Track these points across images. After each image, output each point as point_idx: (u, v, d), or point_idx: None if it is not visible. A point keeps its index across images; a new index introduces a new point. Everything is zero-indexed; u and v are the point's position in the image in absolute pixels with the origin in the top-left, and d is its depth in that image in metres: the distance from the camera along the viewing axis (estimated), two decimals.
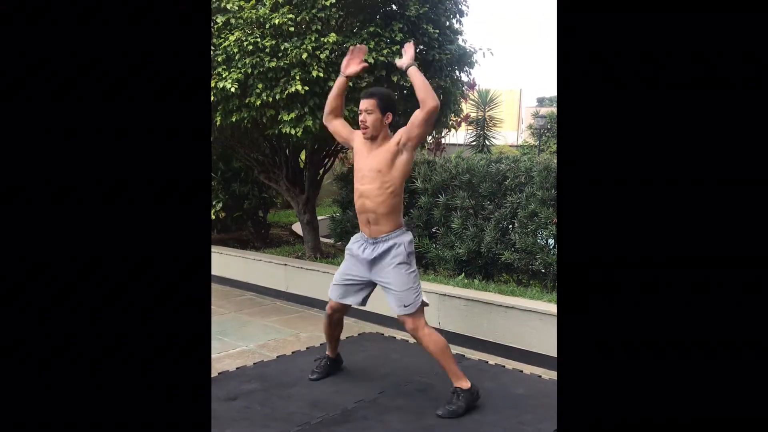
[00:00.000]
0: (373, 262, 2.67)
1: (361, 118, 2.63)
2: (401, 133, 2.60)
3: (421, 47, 4.39)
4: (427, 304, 2.71)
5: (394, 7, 4.30)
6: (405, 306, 2.60)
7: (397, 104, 2.71)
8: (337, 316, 2.91)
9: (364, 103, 2.63)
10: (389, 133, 2.67)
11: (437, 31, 4.34)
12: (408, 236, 2.70)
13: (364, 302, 2.84)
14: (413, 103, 2.85)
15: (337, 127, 2.86)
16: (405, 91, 4.36)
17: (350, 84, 3.96)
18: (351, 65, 2.76)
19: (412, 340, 3.58)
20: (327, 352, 3.05)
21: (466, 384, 2.61)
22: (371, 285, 2.78)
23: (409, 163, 2.65)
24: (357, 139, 2.75)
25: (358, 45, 2.84)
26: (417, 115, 2.55)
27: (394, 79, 4.05)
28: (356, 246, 2.76)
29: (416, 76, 2.56)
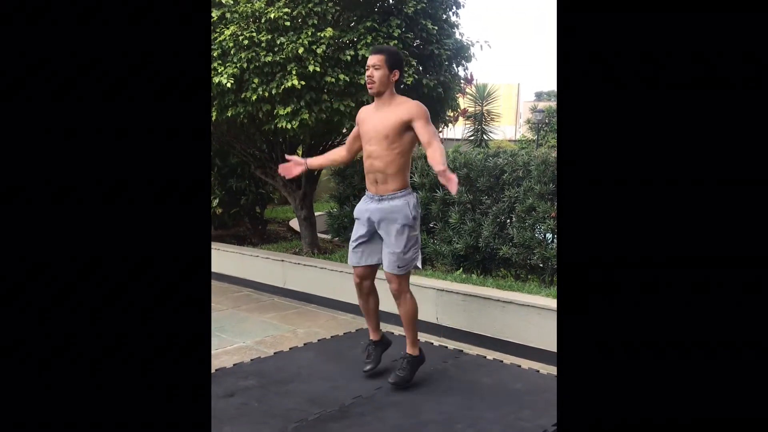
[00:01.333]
0: (379, 215, 2.72)
1: (368, 73, 2.67)
2: (412, 115, 2.61)
3: (419, 42, 4.38)
4: (419, 268, 2.81)
5: (391, 1, 4.28)
6: (398, 267, 2.70)
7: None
8: (366, 284, 2.91)
9: (372, 59, 2.67)
10: (394, 92, 2.71)
11: (435, 27, 4.33)
12: (414, 198, 2.74)
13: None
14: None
15: (350, 142, 2.97)
16: (402, 86, 4.34)
17: (347, 79, 3.98)
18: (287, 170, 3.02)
19: None
20: (370, 337, 3.02)
21: (416, 351, 2.85)
22: (380, 237, 2.81)
23: (416, 139, 2.68)
24: (360, 114, 2.83)
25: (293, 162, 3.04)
26: (423, 138, 2.58)
27: None
28: (362, 205, 2.82)
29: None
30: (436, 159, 2.47)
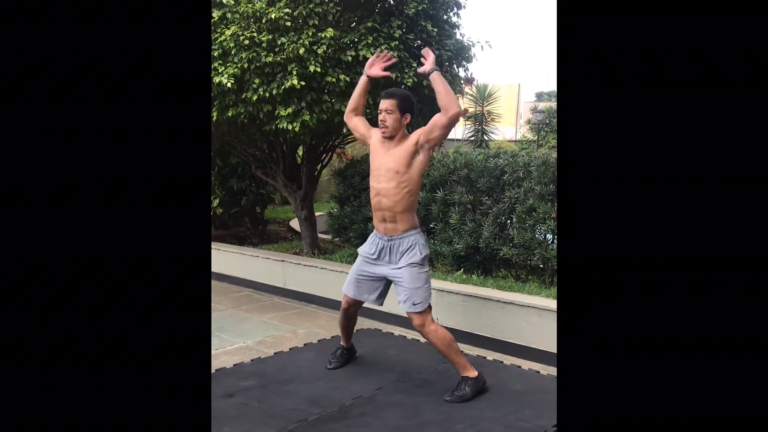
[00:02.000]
0: (388, 260, 2.75)
1: (381, 117, 2.70)
2: (419, 134, 2.66)
3: (419, 43, 4.38)
4: (431, 308, 2.78)
5: (392, 2, 4.28)
6: (414, 304, 2.69)
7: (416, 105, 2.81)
8: (352, 310, 3.00)
9: (385, 103, 2.70)
10: (406, 133, 2.74)
11: (435, 29, 4.33)
12: (422, 238, 2.78)
13: (380, 301, 2.92)
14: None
15: (357, 123, 2.93)
16: (402, 87, 4.35)
17: (348, 79, 3.98)
18: (374, 67, 2.85)
19: (410, 336, 3.59)
20: (342, 343, 3.15)
21: (473, 373, 2.72)
22: (386, 281, 2.84)
23: (426, 164, 2.71)
24: (374, 137, 2.82)
25: (386, 51, 2.96)
26: (439, 120, 2.61)
27: (393, 75, 4.03)
28: (370, 247, 2.84)
29: (439, 82, 2.62)
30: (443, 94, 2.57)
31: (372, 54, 3.92)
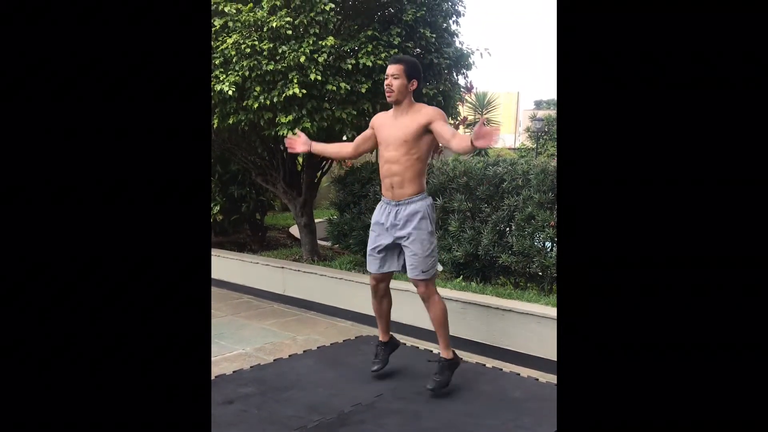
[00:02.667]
0: (397, 224, 2.77)
1: (387, 82, 2.73)
2: (431, 119, 2.66)
3: (419, 51, 4.40)
4: (438, 272, 2.81)
5: (391, 10, 4.30)
6: (423, 272, 2.73)
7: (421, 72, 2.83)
8: (382, 287, 2.99)
9: (391, 68, 2.72)
10: (413, 100, 2.76)
11: (434, 35, 4.35)
12: (429, 201, 2.80)
13: (401, 264, 2.90)
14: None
15: (360, 143, 3.01)
16: None
17: (348, 88, 4.00)
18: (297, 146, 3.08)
19: (409, 344, 3.58)
20: (379, 337, 3.10)
21: (450, 354, 2.84)
22: (400, 247, 2.85)
23: (434, 142, 2.74)
24: (377, 120, 2.87)
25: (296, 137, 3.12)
26: (445, 133, 2.59)
27: None
28: (379, 213, 2.86)
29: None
30: (465, 138, 2.47)
31: (372, 61, 3.96)
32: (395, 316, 3.16)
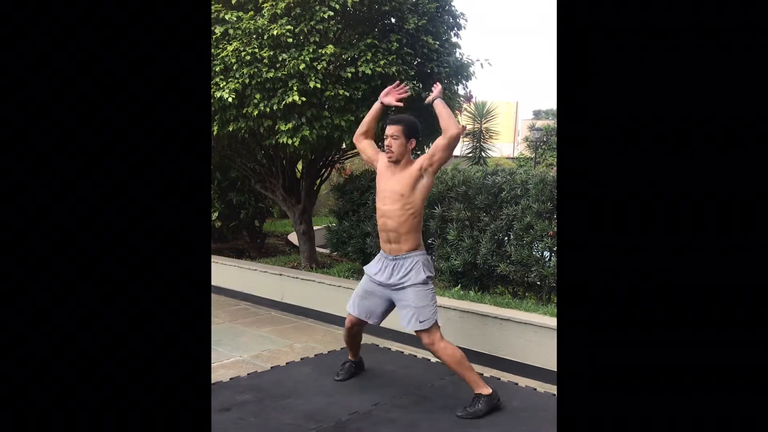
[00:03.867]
0: (392, 282, 2.79)
1: (386, 142, 2.79)
2: (423, 160, 2.76)
3: (419, 59, 4.42)
4: (439, 326, 2.81)
5: (392, 20, 4.33)
6: (420, 322, 2.73)
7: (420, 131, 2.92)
8: (356, 330, 3.08)
9: (390, 129, 2.79)
10: (411, 158, 2.84)
11: (437, 42, 4.38)
12: (426, 258, 2.83)
13: (379, 322, 2.98)
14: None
15: (366, 146, 3.03)
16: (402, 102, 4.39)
17: (347, 94, 4.02)
18: (390, 96, 2.95)
19: (407, 352, 3.58)
20: (349, 357, 3.22)
21: (486, 390, 2.73)
22: (390, 303, 2.89)
23: (430, 187, 2.81)
24: (381, 161, 2.90)
25: (405, 83, 3.09)
26: (439, 142, 2.71)
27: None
28: (375, 266, 2.90)
29: (441, 107, 2.75)
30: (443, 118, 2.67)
31: (371, 69, 3.98)
32: (394, 324, 3.17)
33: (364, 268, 2.99)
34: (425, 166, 2.73)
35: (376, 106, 2.99)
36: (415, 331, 2.78)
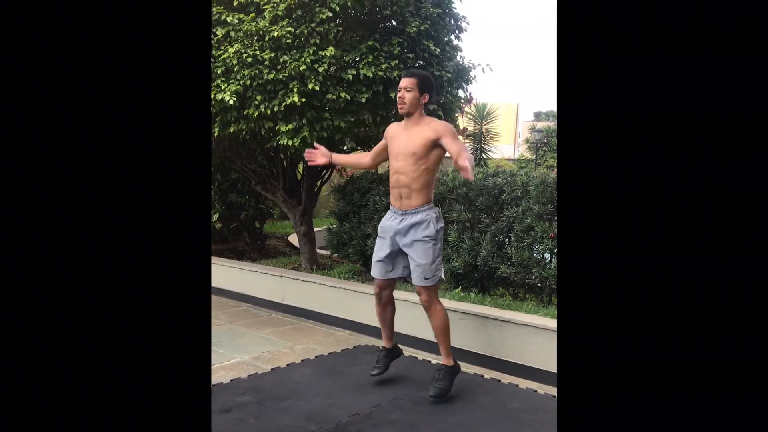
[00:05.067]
0: (403, 232, 2.82)
1: (399, 94, 2.80)
2: (439, 132, 2.72)
3: (421, 62, 4.43)
4: (443, 281, 2.87)
5: (393, 23, 4.33)
6: (425, 279, 2.78)
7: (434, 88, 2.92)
8: (385, 294, 3.03)
9: (404, 81, 2.80)
10: (424, 113, 2.83)
11: (438, 48, 4.38)
12: (436, 211, 2.85)
13: (405, 271, 2.96)
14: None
15: (377, 151, 3.08)
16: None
17: (348, 98, 4.03)
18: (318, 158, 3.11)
19: (407, 353, 3.58)
20: (383, 343, 3.16)
21: (451, 361, 2.89)
22: (405, 255, 2.90)
23: (442, 155, 2.81)
24: (389, 130, 2.94)
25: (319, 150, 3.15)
26: (453, 153, 2.65)
27: (392, 95, 4.08)
28: (387, 220, 2.92)
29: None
30: (464, 158, 2.52)
31: (372, 72, 3.99)
32: (395, 326, 3.17)
33: (378, 227, 3.00)
34: (438, 141, 2.71)
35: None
36: (416, 286, 2.83)
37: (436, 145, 2.75)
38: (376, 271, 2.99)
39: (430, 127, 2.76)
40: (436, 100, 4.42)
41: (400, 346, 3.24)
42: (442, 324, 2.87)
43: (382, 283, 2.99)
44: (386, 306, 3.07)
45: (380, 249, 2.96)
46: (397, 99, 2.82)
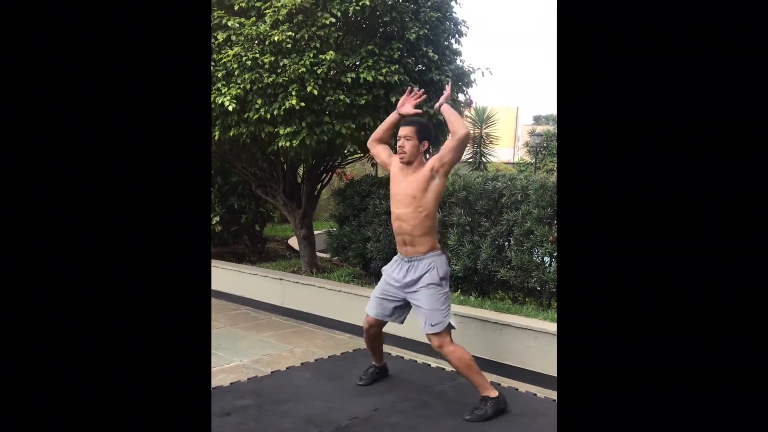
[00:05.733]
0: (408, 282, 2.81)
1: (399, 143, 2.83)
2: (434, 161, 2.77)
3: (420, 67, 4.44)
4: (453, 327, 2.82)
5: (394, 27, 4.34)
6: (432, 325, 2.75)
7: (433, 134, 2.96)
8: (374, 331, 3.06)
9: (404, 130, 2.83)
10: (423, 160, 2.86)
11: (436, 56, 4.39)
12: (442, 259, 2.84)
13: (401, 319, 2.99)
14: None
15: (380, 150, 3.06)
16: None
17: (348, 101, 4.03)
18: (406, 105, 2.96)
19: (407, 357, 3.58)
20: (373, 362, 3.20)
21: (493, 393, 2.76)
22: (407, 302, 2.90)
23: (442, 188, 2.82)
24: (394, 164, 2.93)
25: (418, 89, 3.06)
26: (448, 143, 2.74)
27: (393, 99, 4.09)
28: (392, 267, 2.93)
29: (448, 111, 2.79)
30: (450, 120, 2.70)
31: (372, 76, 4.00)
32: (394, 329, 3.17)
33: (382, 270, 3.00)
34: (436, 168, 2.74)
35: (393, 116, 3.01)
36: (426, 334, 2.79)
37: (433, 176, 2.75)
38: (370, 307, 2.99)
39: (428, 165, 2.79)
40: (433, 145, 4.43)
41: (397, 351, 3.24)
42: (463, 363, 2.76)
43: (374, 321, 3.00)
44: (374, 339, 3.10)
45: (382, 289, 2.96)
46: (398, 148, 2.84)
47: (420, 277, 2.77)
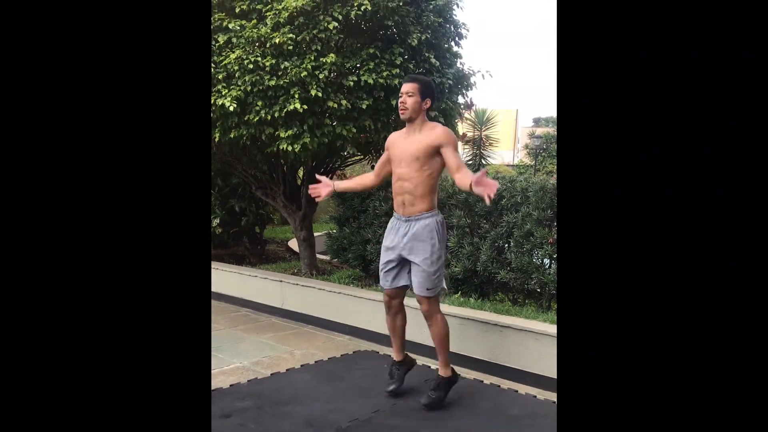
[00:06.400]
0: (405, 241, 2.79)
1: (401, 99, 2.77)
2: (442, 141, 2.71)
3: (422, 71, 4.45)
4: (446, 291, 2.80)
5: (394, 30, 4.35)
6: (427, 289, 2.76)
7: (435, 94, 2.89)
8: (395, 303, 2.98)
9: (406, 86, 2.77)
10: (426, 118, 2.80)
11: (437, 61, 4.40)
12: (439, 217, 2.82)
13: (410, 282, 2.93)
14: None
15: (380, 166, 3.04)
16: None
17: (350, 105, 4.03)
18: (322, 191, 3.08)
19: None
20: (394, 357, 3.07)
21: (448, 372, 2.87)
22: (407, 261, 2.86)
23: (443, 165, 2.77)
24: (390, 138, 2.92)
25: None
26: (452, 166, 2.68)
27: (393, 102, 4.09)
28: (390, 229, 2.90)
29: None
30: (467, 177, 2.52)
31: (373, 79, 4.00)
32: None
33: (383, 240, 2.97)
34: (441, 150, 2.70)
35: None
36: (417, 296, 2.80)
37: (437, 152, 2.72)
38: (383, 280, 2.96)
39: (433, 133, 2.73)
40: (437, 105, 4.43)
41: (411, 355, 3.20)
42: (442, 333, 2.84)
43: (391, 292, 2.94)
44: (396, 315, 3.00)
45: (385, 258, 2.92)
46: (399, 104, 2.79)
47: (417, 237, 2.75)
